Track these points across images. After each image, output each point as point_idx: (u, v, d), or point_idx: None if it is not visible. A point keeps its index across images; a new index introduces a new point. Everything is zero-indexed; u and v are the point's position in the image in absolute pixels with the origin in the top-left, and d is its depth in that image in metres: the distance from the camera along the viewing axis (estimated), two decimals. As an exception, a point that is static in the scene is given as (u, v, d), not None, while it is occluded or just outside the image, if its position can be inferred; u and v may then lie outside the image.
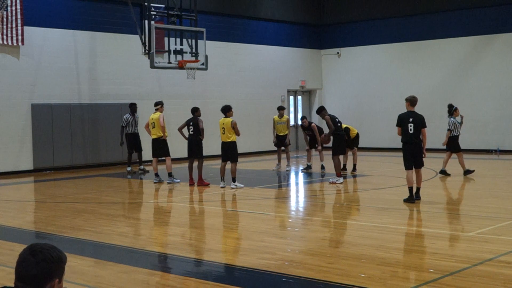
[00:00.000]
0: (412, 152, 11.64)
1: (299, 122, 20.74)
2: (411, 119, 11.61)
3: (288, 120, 18.31)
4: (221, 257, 8.01)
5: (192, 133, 15.18)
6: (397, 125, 11.85)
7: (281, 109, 18.37)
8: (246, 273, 7.02)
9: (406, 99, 11.90)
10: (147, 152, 18.33)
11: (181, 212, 11.95)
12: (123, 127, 18.34)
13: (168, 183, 15.55)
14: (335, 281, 6.44)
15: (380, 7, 25.95)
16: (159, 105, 16.03)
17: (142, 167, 18.47)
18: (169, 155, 15.92)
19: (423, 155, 11.73)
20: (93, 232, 9.53)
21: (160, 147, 15.84)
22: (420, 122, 11.60)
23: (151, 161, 16.67)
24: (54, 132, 19.03)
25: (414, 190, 11.70)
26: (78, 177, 17.76)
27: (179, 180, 15.74)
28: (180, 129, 15.51)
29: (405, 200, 11.65)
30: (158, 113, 15.82)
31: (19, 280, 2.75)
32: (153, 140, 15.93)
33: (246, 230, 9.72)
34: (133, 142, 18.38)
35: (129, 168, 18.28)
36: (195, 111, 15.28)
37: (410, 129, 11.57)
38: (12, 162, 18.35)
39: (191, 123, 15.20)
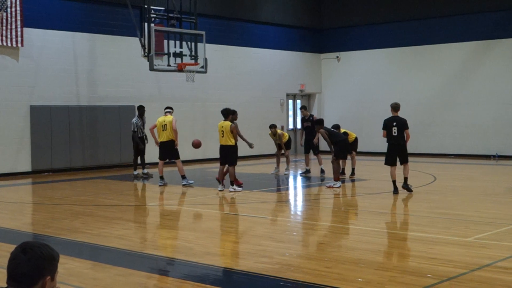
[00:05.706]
0: (397, 151, 13.24)
1: (298, 126, 20.60)
2: (394, 123, 13.25)
3: (281, 135, 17.96)
4: (219, 261, 7.99)
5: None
6: (383, 129, 13.51)
7: (271, 127, 18.14)
8: (243, 277, 7.00)
9: (391, 106, 13.52)
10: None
11: (179, 215, 11.92)
12: (135, 132, 17.81)
13: (183, 185, 15.38)
14: (332, 286, 6.42)
15: (380, 11, 25.97)
16: (171, 109, 16.10)
17: (146, 171, 18.12)
18: (179, 158, 15.82)
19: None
20: (91, 234, 9.51)
21: (171, 150, 15.69)
22: (402, 125, 13.24)
23: (157, 163, 16.54)
24: (53, 134, 19.00)
25: (402, 182, 13.22)
26: (76, 179, 17.73)
27: (193, 181, 15.65)
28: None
29: (394, 193, 13.21)
30: (171, 116, 15.76)
31: (10, 278, 2.72)
32: (163, 142, 15.76)
33: (244, 234, 9.71)
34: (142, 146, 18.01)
35: (135, 172, 18.02)
36: (232, 113, 14.73)
37: (394, 132, 13.20)
38: (10, 164, 18.32)
39: None
